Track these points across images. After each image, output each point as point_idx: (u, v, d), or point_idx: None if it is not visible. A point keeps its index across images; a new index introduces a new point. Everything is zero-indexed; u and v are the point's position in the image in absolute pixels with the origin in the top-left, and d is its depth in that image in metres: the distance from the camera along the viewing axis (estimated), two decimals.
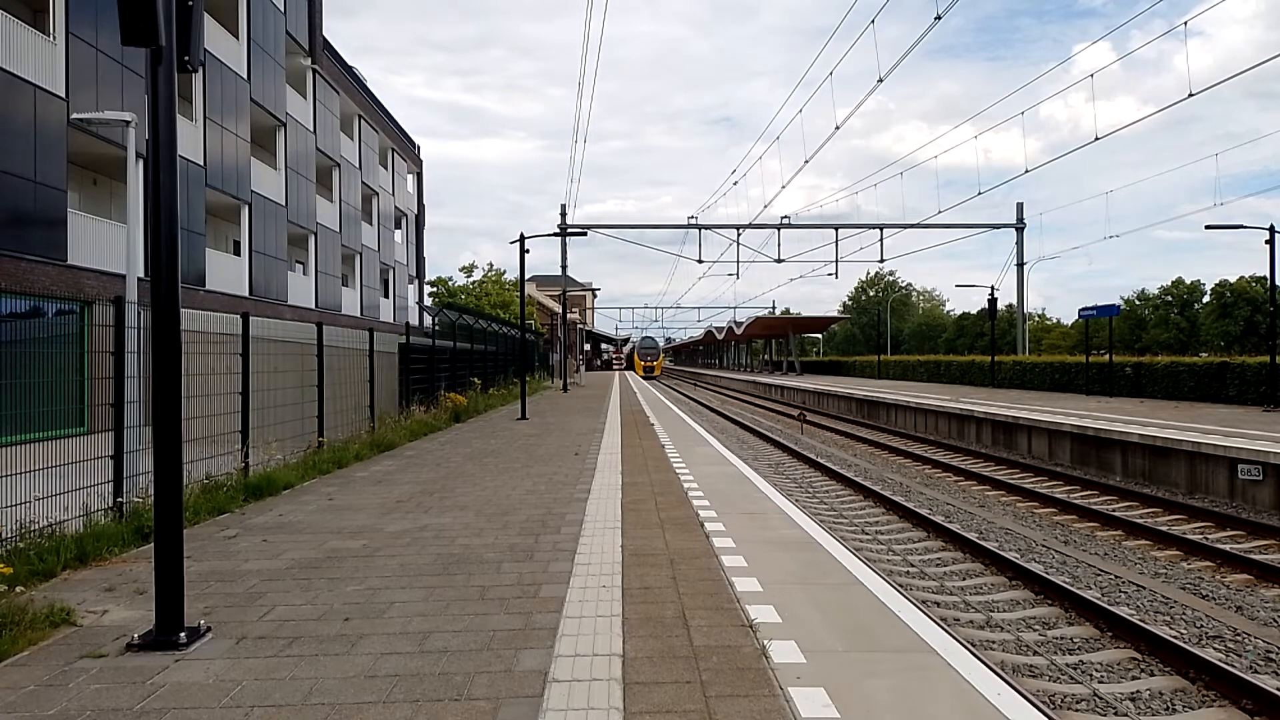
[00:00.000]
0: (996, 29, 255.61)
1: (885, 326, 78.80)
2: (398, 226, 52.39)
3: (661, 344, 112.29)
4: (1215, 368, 24.77)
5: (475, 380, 26.86)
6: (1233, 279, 73.51)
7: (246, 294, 28.40)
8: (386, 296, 48.54)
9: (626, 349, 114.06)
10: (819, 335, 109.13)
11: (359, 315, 40.84)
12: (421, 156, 57.80)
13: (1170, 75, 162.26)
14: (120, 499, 7.63)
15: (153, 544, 4.99)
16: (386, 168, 49.17)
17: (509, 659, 4.48)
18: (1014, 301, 47.45)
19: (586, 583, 5.95)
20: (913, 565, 9.64)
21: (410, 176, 55.94)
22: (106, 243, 20.39)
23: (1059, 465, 17.73)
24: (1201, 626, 7.46)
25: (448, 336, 24.46)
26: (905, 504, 12.80)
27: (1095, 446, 16.99)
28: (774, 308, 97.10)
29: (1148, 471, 15.35)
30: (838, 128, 28.14)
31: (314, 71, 36.79)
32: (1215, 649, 6.91)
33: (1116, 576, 9.05)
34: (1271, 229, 22.09)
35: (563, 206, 46.33)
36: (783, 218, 43.31)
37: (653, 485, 10.53)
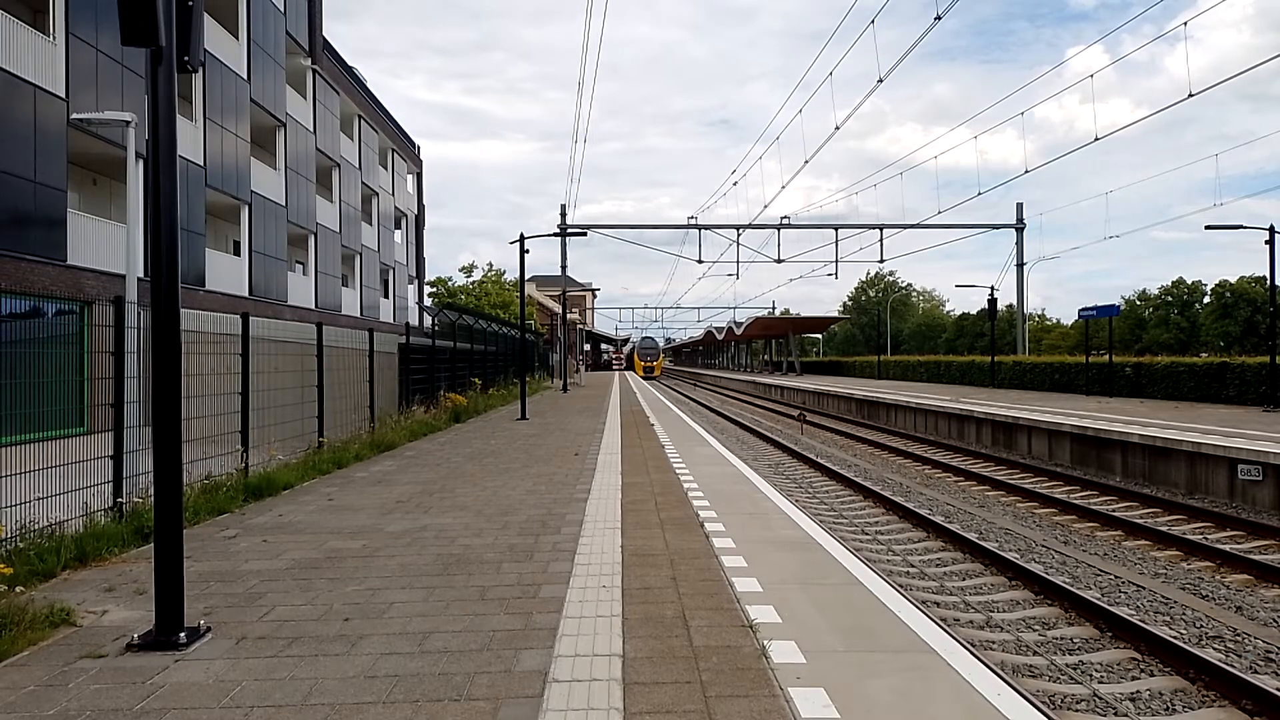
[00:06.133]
0: (991, 32, 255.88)
1: (885, 327, 78.76)
2: (397, 227, 52.39)
3: (661, 344, 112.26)
4: (1215, 368, 24.76)
5: (475, 380, 26.86)
6: (1232, 279, 73.65)
7: (246, 294, 28.40)
8: (386, 297, 48.54)
9: (626, 349, 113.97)
10: (819, 335, 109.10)
11: (359, 315, 40.84)
12: (421, 157, 57.82)
13: (1163, 77, 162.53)
14: (120, 499, 7.63)
15: (153, 544, 4.99)
16: (386, 168, 49.18)
17: (509, 659, 4.48)
18: (1014, 302, 47.45)
19: (586, 583, 5.95)
20: (913, 565, 9.63)
21: (410, 177, 55.94)
22: (106, 243, 20.39)
23: (1059, 465, 17.73)
24: (1201, 626, 7.46)
25: (448, 337, 24.46)
26: (905, 504, 12.80)
27: (1095, 447, 16.99)
28: (774, 308, 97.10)
29: (1147, 472, 15.35)
30: (837, 128, 28.13)
31: (314, 72, 36.78)
32: (1215, 649, 6.91)
33: (1116, 577, 9.05)
34: (1271, 229, 22.09)
35: (562, 207, 46.37)
36: (782, 218, 43.34)
37: (653, 485, 10.53)
